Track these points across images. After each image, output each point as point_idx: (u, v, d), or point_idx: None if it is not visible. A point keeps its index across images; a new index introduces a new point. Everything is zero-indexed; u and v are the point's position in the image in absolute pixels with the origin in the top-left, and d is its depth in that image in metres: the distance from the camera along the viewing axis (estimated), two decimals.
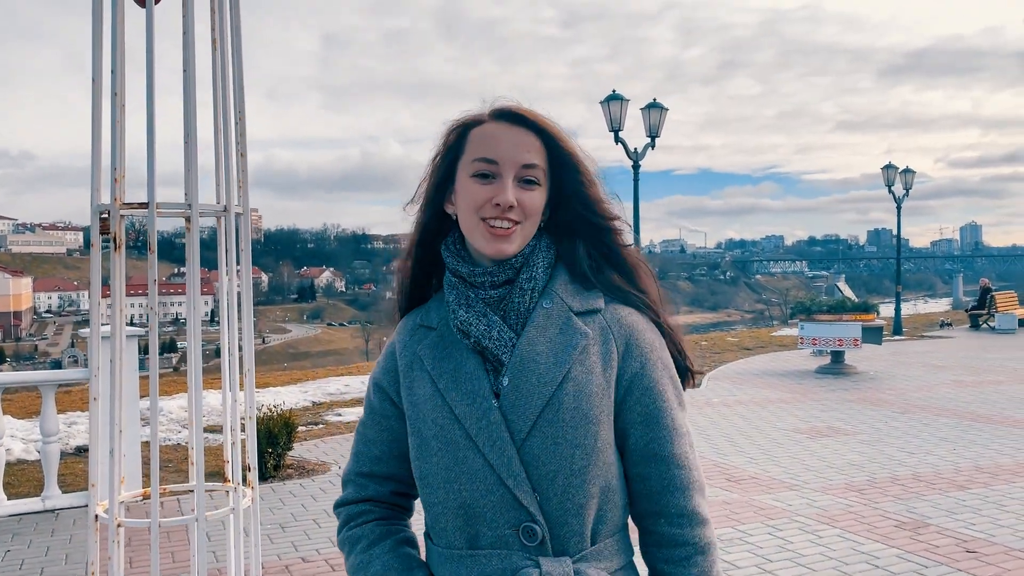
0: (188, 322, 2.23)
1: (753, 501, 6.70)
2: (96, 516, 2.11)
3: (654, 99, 15.88)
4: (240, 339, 2.33)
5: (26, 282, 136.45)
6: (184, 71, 2.02)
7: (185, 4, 1.93)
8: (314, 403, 12.72)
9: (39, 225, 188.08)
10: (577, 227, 1.56)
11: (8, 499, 6.69)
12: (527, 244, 1.51)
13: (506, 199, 1.45)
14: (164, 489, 2.42)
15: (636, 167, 15.51)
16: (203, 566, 2.09)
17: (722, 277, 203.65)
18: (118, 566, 2.01)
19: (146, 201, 2.11)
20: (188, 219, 2.19)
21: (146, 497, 2.32)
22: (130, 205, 2.07)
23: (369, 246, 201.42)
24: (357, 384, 14.02)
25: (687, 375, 1.62)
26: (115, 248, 2.09)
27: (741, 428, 9.82)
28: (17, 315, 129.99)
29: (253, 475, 2.28)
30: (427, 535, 1.54)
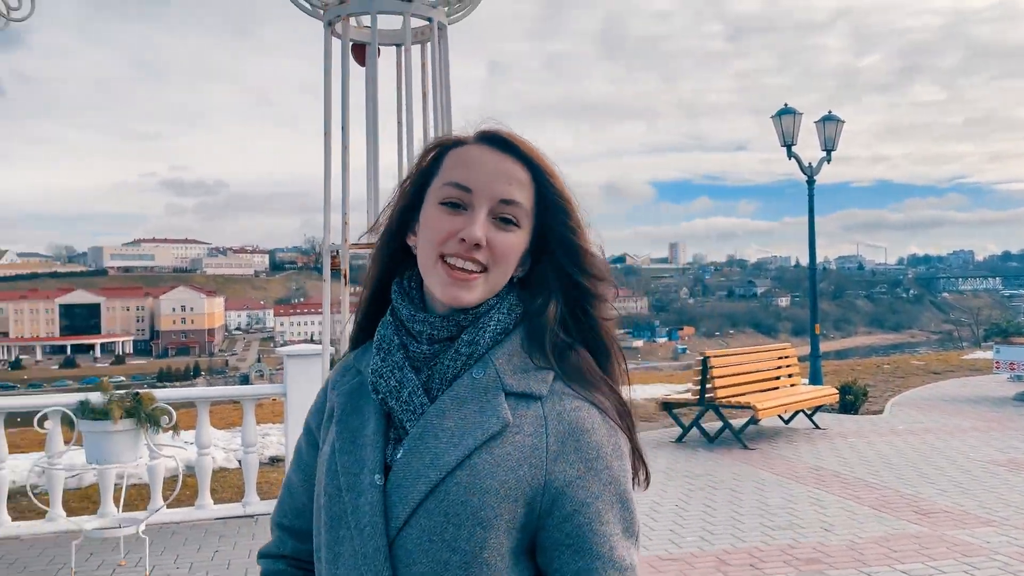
0: None
1: (946, 536, 6.30)
2: None
3: (829, 111, 15.29)
4: None
5: (219, 301, 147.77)
6: (399, 123, 2.24)
7: (399, 64, 2.14)
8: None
9: (230, 248, 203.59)
10: (555, 284, 1.27)
11: (215, 503, 7.33)
12: (487, 303, 1.25)
13: (472, 234, 1.19)
14: None
15: (811, 182, 14.97)
16: None
17: (904, 295, 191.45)
18: None
19: (372, 242, 2.33)
20: None
21: None
22: (357, 245, 2.30)
23: None
24: None
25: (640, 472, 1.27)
26: (345, 283, 2.32)
27: (929, 458, 9.24)
28: (211, 332, 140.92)
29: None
30: None
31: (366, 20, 2.35)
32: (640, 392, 15.22)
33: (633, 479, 1.24)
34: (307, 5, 2.41)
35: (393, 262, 1.32)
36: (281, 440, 10.63)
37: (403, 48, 2.38)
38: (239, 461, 9.53)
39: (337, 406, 1.30)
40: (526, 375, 1.22)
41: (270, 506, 7.40)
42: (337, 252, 2.33)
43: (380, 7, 2.29)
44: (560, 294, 1.27)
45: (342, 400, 1.30)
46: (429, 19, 2.39)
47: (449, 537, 1.14)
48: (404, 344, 1.24)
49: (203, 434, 7.20)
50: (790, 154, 14.81)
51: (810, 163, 15.00)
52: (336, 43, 2.45)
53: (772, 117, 14.97)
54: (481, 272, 1.22)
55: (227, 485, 8.65)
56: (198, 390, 8.91)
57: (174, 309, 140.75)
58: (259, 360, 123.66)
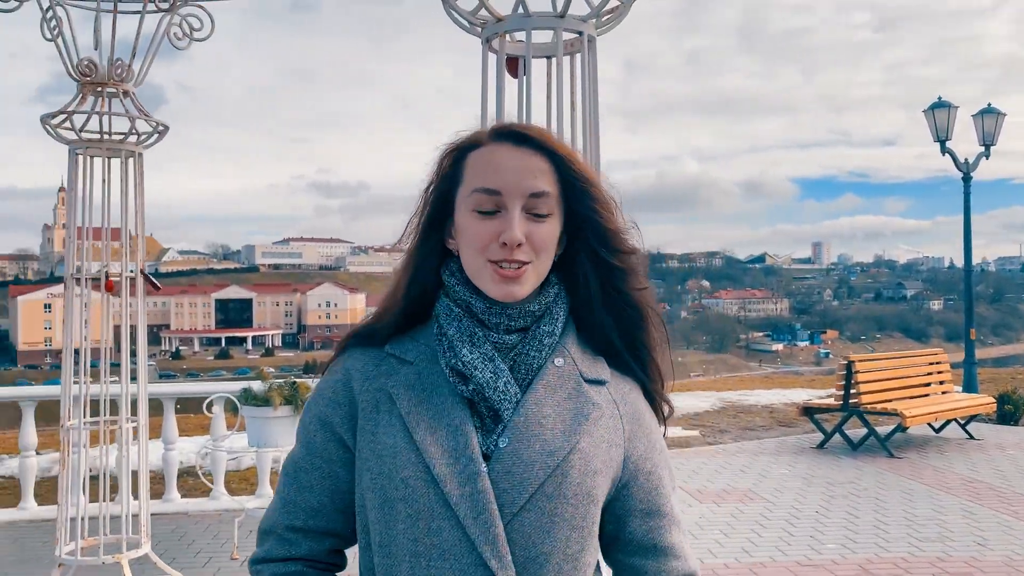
0: None
1: None
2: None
3: (988, 103, 14.41)
4: None
5: (360, 297, 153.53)
6: (547, 128, 2.39)
7: (548, 75, 2.28)
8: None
9: (371, 247, 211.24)
10: (588, 265, 1.33)
11: None
12: (548, 288, 1.32)
13: (513, 237, 1.24)
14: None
15: (967, 179, 14.16)
16: None
17: None
18: None
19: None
20: None
21: None
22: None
23: (663, 265, 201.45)
24: None
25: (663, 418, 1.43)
26: None
27: None
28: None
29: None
30: None
31: (519, 35, 2.51)
32: (780, 397, 14.85)
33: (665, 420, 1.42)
34: (465, 23, 2.57)
35: (430, 264, 1.33)
36: None
37: (555, 60, 2.51)
38: None
39: (399, 398, 1.27)
40: (593, 362, 1.33)
41: None
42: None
43: (535, 24, 2.42)
44: (594, 273, 1.33)
45: (403, 391, 1.27)
46: (580, 32, 2.51)
47: (569, 516, 1.22)
48: (486, 335, 1.28)
49: None
50: (944, 150, 14.06)
51: (966, 159, 14.19)
52: (491, 57, 2.61)
53: (924, 111, 14.25)
54: (527, 264, 1.26)
55: None
56: None
57: (319, 304, 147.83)
58: None
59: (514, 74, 2.49)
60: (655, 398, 1.39)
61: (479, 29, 2.54)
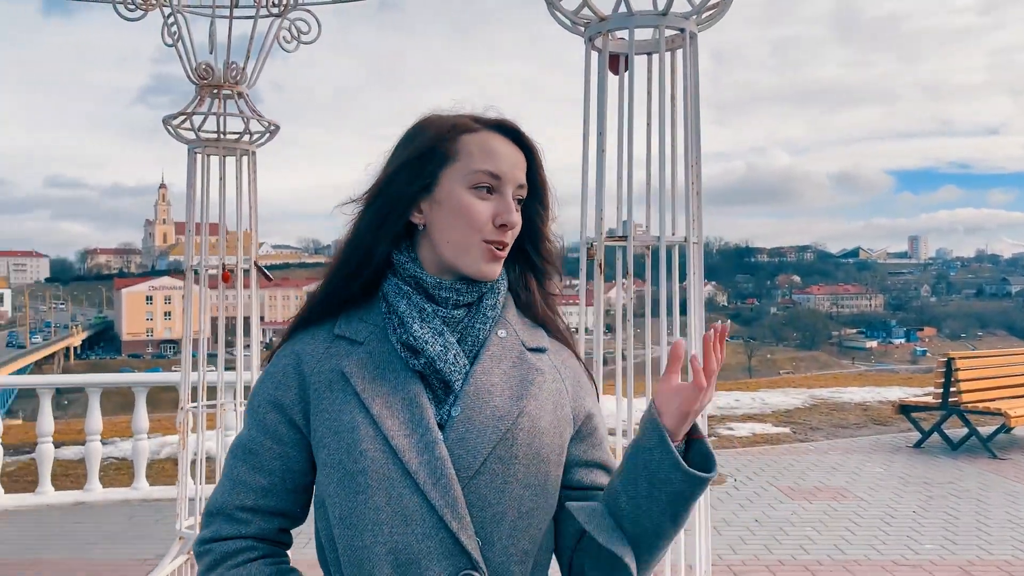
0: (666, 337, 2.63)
1: None
2: None
3: None
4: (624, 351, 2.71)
5: None
6: (648, 123, 2.45)
7: (648, 71, 2.34)
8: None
9: None
10: (524, 259, 1.45)
11: None
12: None
13: (512, 219, 1.34)
14: None
15: None
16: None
17: None
18: None
19: (624, 235, 2.56)
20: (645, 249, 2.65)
21: None
22: (611, 238, 2.54)
23: (752, 259, 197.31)
24: (747, 400, 14.03)
25: None
26: (600, 272, 2.56)
27: None
28: None
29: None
30: None
31: (619, 33, 2.57)
32: (874, 394, 14.44)
33: None
34: (567, 22, 2.65)
35: (386, 241, 1.36)
36: None
37: (656, 57, 2.57)
38: None
39: (353, 376, 1.30)
40: (533, 332, 1.42)
41: None
42: (592, 244, 2.57)
43: (637, 22, 2.47)
44: (527, 266, 1.45)
45: (357, 369, 1.31)
46: (682, 29, 2.56)
47: (521, 476, 1.29)
48: (435, 311, 1.34)
49: None
50: None
51: None
52: (593, 55, 2.68)
53: None
54: (507, 247, 1.37)
55: None
56: None
57: None
58: None
59: (615, 71, 2.56)
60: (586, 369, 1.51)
61: (582, 28, 2.62)
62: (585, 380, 1.46)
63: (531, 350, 1.39)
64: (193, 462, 4.32)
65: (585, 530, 1.32)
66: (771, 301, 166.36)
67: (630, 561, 1.29)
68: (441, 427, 1.29)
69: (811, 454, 9.80)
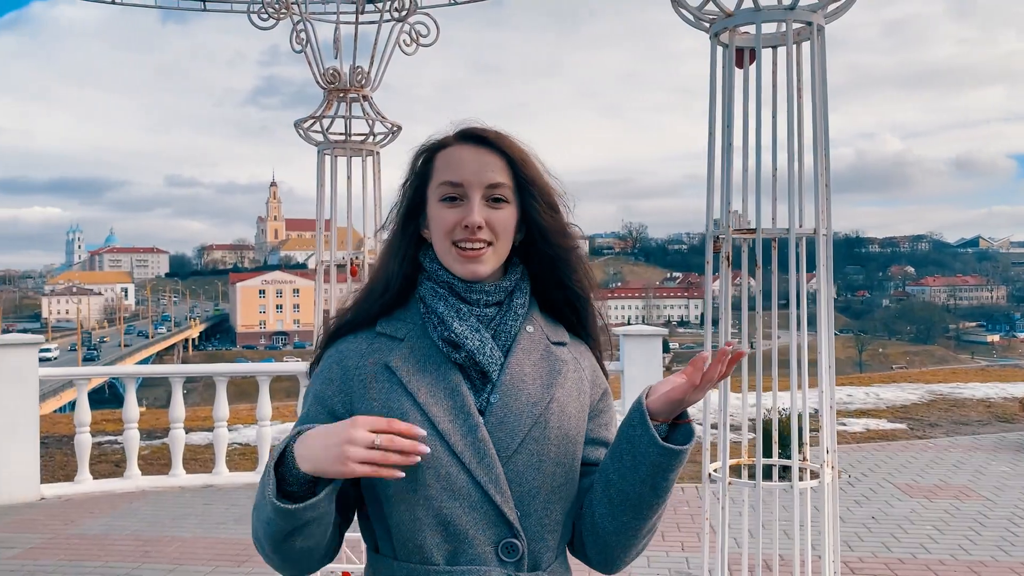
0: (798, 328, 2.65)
1: None
2: (709, 475, 2.66)
3: None
4: (792, 346, 2.71)
5: None
6: (773, 117, 2.46)
7: (774, 64, 2.36)
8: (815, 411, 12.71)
9: None
10: (536, 256, 1.55)
11: None
12: (515, 268, 1.55)
13: (473, 220, 1.45)
14: (746, 461, 2.89)
15: None
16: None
17: None
18: (723, 516, 2.52)
19: (753, 227, 2.59)
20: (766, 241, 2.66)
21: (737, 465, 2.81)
22: (740, 231, 2.57)
23: (863, 250, 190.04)
24: (860, 395, 13.61)
25: None
26: (727, 263, 2.59)
27: None
28: None
29: (832, 457, 2.62)
30: (380, 551, 1.49)
31: (743, 27, 2.58)
32: (998, 391, 13.77)
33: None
34: (691, 17, 2.68)
35: (409, 251, 1.55)
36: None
37: (782, 50, 2.57)
38: None
39: (399, 369, 1.46)
40: (555, 329, 1.57)
41: None
42: (718, 237, 2.60)
43: (765, 17, 2.49)
44: (542, 263, 1.56)
45: (402, 363, 1.47)
46: (809, 23, 2.55)
47: (553, 455, 1.46)
48: (470, 310, 1.50)
49: None
50: None
51: None
52: (719, 50, 2.70)
53: None
54: (488, 246, 1.48)
55: None
56: None
57: None
58: None
59: (739, 65, 2.57)
60: (600, 359, 1.65)
61: (706, 24, 2.64)
62: (599, 371, 1.62)
63: (555, 343, 1.55)
64: None
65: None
66: (883, 293, 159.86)
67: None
68: (480, 413, 1.45)
69: (930, 451, 9.46)
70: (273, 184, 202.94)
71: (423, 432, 1.34)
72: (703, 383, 1.35)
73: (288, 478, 1.34)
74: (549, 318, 1.59)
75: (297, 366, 9.57)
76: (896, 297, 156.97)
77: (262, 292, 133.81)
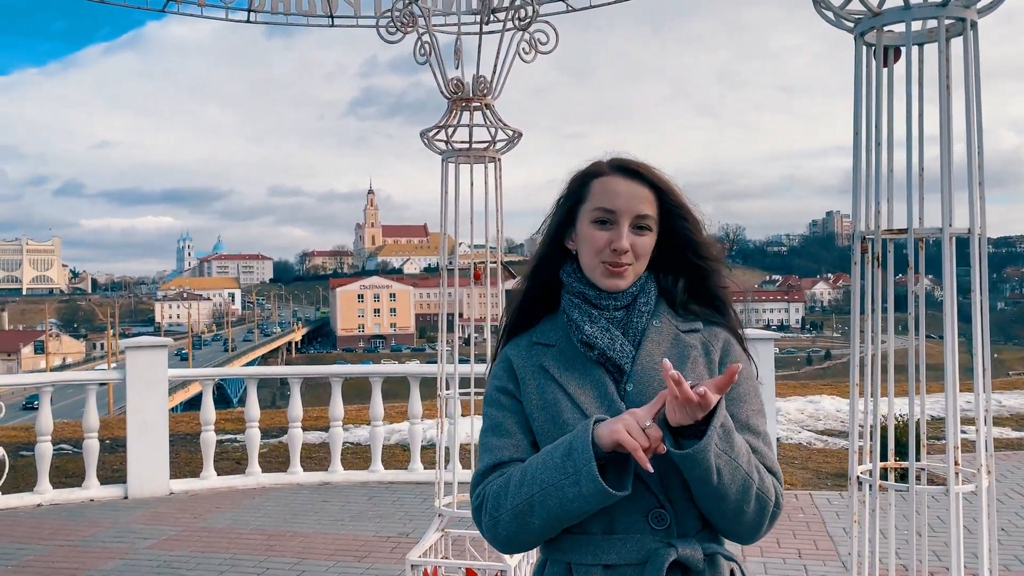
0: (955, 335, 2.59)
1: None
2: (857, 478, 2.62)
3: None
4: (941, 350, 2.63)
5: None
6: (920, 115, 2.41)
7: (920, 63, 2.30)
8: (933, 417, 12.19)
9: None
10: (682, 266, 1.77)
11: None
12: (639, 277, 1.73)
13: (622, 245, 1.68)
14: (893, 464, 2.83)
15: None
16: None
17: None
18: (870, 522, 2.49)
19: (905, 227, 2.54)
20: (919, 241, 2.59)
21: (885, 470, 2.76)
22: (891, 231, 2.53)
23: None
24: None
25: None
26: (878, 266, 2.56)
27: None
28: None
29: (989, 461, 2.55)
30: None
31: (888, 26, 2.54)
32: None
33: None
34: (832, 17, 2.65)
35: (546, 262, 1.80)
36: None
37: (931, 47, 2.52)
38: None
39: (551, 368, 1.71)
40: (684, 319, 1.75)
41: None
42: (865, 238, 2.57)
43: (915, 15, 2.44)
44: (687, 272, 1.77)
45: (553, 363, 1.72)
46: (962, 19, 2.49)
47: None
48: (600, 314, 1.72)
49: None
50: None
51: None
52: (863, 48, 2.66)
53: None
54: (628, 266, 1.70)
55: None
56: None
57: None
58: None
59: (885, 63, 2.53)
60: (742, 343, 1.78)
61: (850, 24, 2.61)
62: (736, 350, 1.75)
63: (685, 331, 1.74)
64: (447, 447, 4.66)
65: None
66: (998, 295, 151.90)
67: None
68: (622, 399, 1.66)
69: None
70: (371, 192, 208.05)
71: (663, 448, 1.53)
72: (687, 401, 1.46)
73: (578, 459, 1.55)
74: (680, 312, 1.77)
75: (409, 367, 9.80)
76: (1012, 299, 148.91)
77: (360, 297, 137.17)
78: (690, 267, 1.78)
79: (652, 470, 1.50)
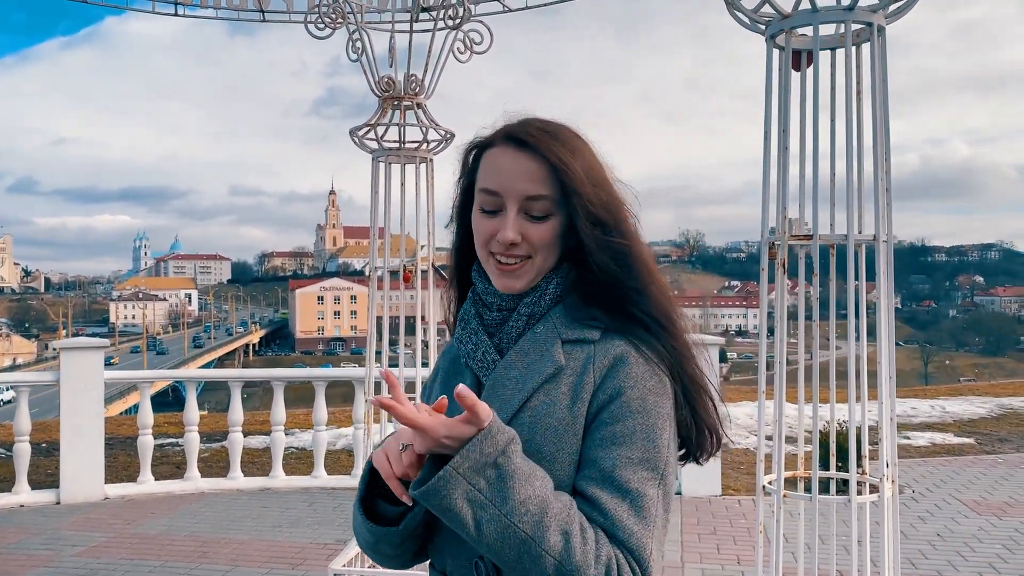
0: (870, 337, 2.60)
1: None
2: (763, 487, 2.60)
3: None
4: (851, 352, 2.64)
5: None
6: (832, 121, 2.40)
7: (832, 67, 2.29)
8: (875, 423, 12.37)
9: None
10: (592, 251, 1.38)
11: None
12: (544, 279, 1.41)
13: (505, 236, 1.36)
14: (802, 473, 2.83)
15: None
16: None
17: None
18: (778, 529, 2.47)
19: (810, 234, 2.52)
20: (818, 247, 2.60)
21: (794, 478, 2.74)
22: (796, 237, 2.51)
23: (929, 259, 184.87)
24: (925, 408, 13.22)
25: (706, 437, 1.39)
26: (782, 271, 2.54)
27: None
28: None
29: (892, 471, 2.54)
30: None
31: (801, 29, 2.53)
32: None
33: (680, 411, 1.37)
34: (746, 20, 2.63)
35: (461, 250, 1.50)
36: None
37: (840, 52, 2.51)
38: None
39: (441, 371, 1.52)
40: (580, 326, 1.38)
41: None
42: (774, 244, 2.55)
43: (822, 18, 2.43)
44: (593, 255, 1.37)
45: (446, 366, 1.52)
46: (869, 24, 2.49)
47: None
48: (479, 313, 1.45)
49: None
50: None
51: None
52: (775, 52, 2.65)
53: None
54: (525, 260, 1.38)
55: None
56: None
57: None
58: None
59: (796, 68, 2.53)
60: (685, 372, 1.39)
61: (762, 26, 2.60)
62: (629, 372, 1.34)
63: (568, 342, 1.38)
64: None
65: None
66: (950, 303, 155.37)
67: None
68: None
69: (1000, 467, 9.13)
70: (332, 192, 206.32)
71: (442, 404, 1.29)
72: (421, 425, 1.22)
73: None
74: (584, 315, 1.40)
75: (353, 371, 9.67)
76: (964, 307, 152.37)
77: (320, 299, 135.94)
78: (595, 248, 1.38)
79: (409, 502, 1.28)
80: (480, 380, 1.43)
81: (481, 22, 4.27)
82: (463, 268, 1.52)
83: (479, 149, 1.44)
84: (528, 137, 1.38)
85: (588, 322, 1.39)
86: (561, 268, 1.42)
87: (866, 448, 2.57)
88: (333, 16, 4.07)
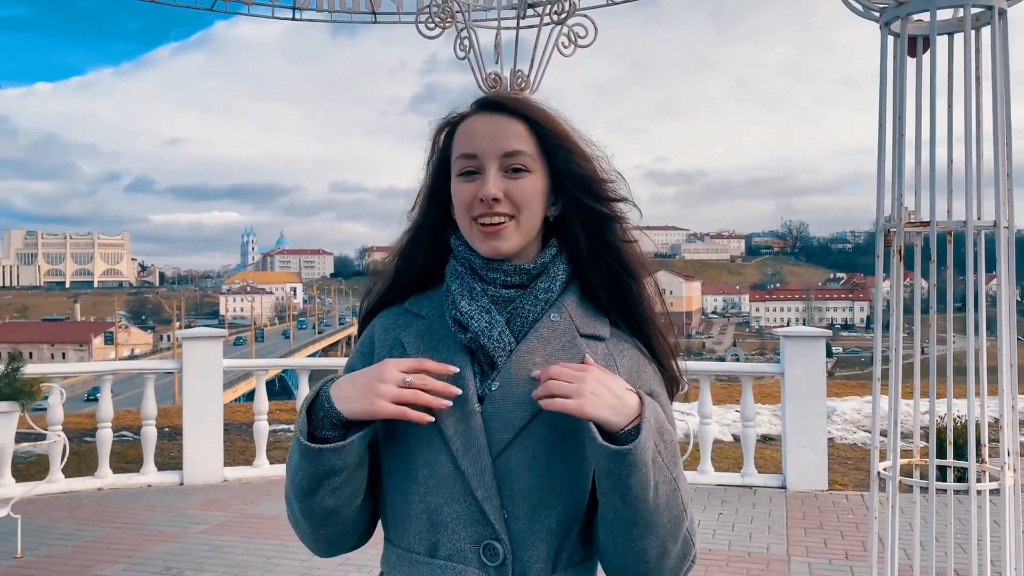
0: (1001, 330, 2.55)
1: None
2: (879, 473, 2.59)
3: None
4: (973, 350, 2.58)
5: (695, 285, 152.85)
6: (949, 107, 2.36)
7: (950, 52, 2.25)
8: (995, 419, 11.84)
9: (707, 234, 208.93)
10: (576, 218, 1.38)
11: (714, 471, 7.94)
12: (547, 249, 1.40)
13: (487, 192, 1.33)
14: (918, 461, 2.78)
15: None
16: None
17: None
18: (893, 515, 2.46)
19: (927, 220, 2.49)
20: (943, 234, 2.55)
21: (908, 466, 2.71)
22: (913, 224, 2.48)
23: None
24: None
25: (674, 384, 1.45)
26: (898, 258, 2.51)
27: None
28: (688, 315, 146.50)
29: (1014, 459, 2.48)
30: (385, 533, 1.41)
31: (916, 15, 2.49)
32: None
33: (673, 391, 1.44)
34: (859, 7, 2.61)
35: (436, 231, 1.45)
36: (770, 420, 10.94)
37: (959, 36, 2.46)
38: (734, 436, 10.09)
39: (409, 346, 1.38)
40: (592, 320, 1.39)
41: (769, 480, 7.80)
42: (889, 232, 2.53)
43: (940, 3, 2.39)
44: (581, 225, 1.39)
45: (413, 340, 1.39)
46: (989, 7, 2.43)
47: (555, 453, 1.29)
48: (484, 290, 1.37)
49: (705, 405, 7.90)
50: None
51: None
52: (889, 39, 2.62)
53: None
54: (509, 220, 1.35)
55: (723, 456, 9.20)
56: (698, 364, 9.60)
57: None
58: (734, 344, 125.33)
59: (911, 54, 2.49)
60: (661, 361, 1.43)
61: (876, 13, 2.57)
62: (645, 377, 1.39)
63: (586, 336, 1.38)
64: None
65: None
66: None
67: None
68: (482, 400, 1.33)
69: None
70: None
71: (455, 369, 1.31)
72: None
73: (325, 423, 1.29)
74: (590, 308, 1.42)
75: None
76: None
77: None
78: (585, 218, 1.39)
79: (431, 419, 1.27)
80: (488, 360, 1.36)
81: (586, 16, 4.34)
82: (413, 247, 1.48)
83: (451, 126, 1.44)
84: (502, 100, 1.42)
85: (596, 317, 1.42)
86: (562, 254, 1.42)
87: (986, 438, 2.51)
88: (442, 16, 4.21)
